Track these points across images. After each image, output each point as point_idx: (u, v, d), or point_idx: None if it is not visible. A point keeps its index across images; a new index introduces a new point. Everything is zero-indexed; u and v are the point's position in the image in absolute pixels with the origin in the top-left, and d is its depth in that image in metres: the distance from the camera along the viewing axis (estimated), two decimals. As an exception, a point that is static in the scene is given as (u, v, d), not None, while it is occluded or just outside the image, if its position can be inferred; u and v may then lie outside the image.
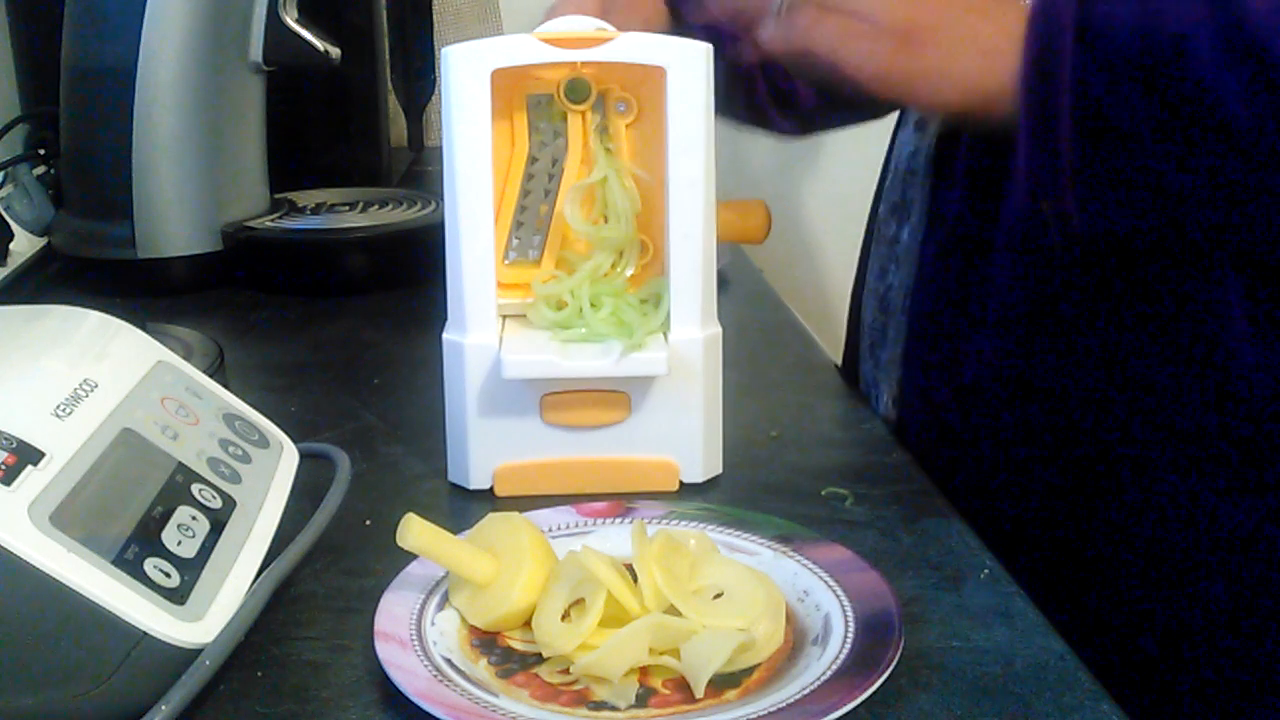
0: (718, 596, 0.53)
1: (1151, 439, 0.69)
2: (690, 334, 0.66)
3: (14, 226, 1.14)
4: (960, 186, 0.76)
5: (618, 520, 0.61)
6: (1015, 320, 0.72)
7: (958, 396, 0.76)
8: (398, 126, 1.54)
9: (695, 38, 0.64)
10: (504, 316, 0.68)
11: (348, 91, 1.34)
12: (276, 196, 1.15)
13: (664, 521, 0.61)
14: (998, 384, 0.74)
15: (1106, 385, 0.70)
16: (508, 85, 0.66)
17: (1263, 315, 0.66)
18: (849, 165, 1.64)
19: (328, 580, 0.58)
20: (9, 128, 1.20)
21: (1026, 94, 0.61)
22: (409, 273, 1.06)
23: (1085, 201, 0.62)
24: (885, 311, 0.82)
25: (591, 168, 0.68)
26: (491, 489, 0.67)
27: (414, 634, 0.52)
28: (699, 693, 0.49)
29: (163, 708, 0.45)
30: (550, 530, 0.59)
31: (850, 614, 0.52)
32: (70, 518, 0.46)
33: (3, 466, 0.46)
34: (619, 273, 0.68)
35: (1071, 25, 0.60)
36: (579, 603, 0.53)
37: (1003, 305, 0.73)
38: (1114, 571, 0.72)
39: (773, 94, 0.96)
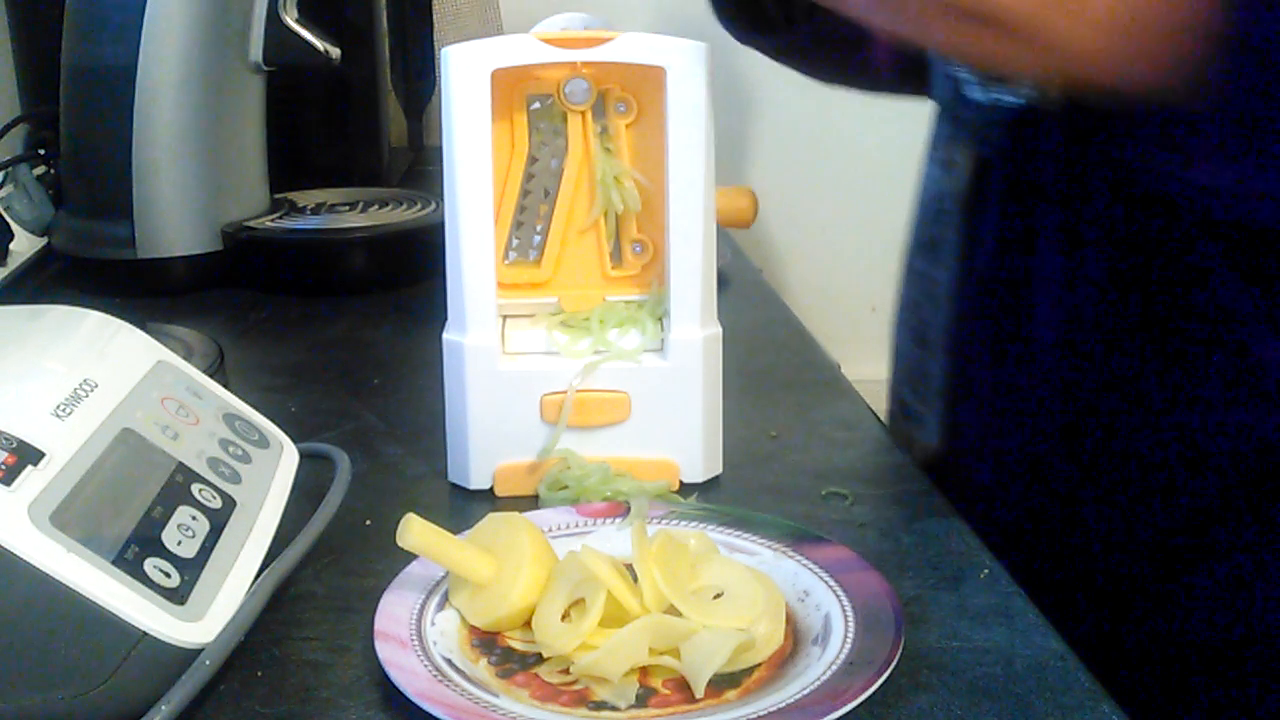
0: (718, 596, 0.53)
1: (1188, 458, 0.68)
2: (690, 334, 0.66)
3: (14, 226, 1.14)
4: (995, 224, 0.75)
5: (618, 520, 0.61)
6: (1057, 352, 0.71)
7: (1003, 429, 0.75)
8: (398, 126, 1.54)
9: None
10: (504, 316, 0.68)
11: (348, 91, 1.34)
12: (276, 196, 1.15)
13: (664, 521, 0.61)
14: (1042, 415, 0.73)
15: (1147, 408, 0.69)
16: (508, 85, 0.66)
17: None
18: (847, 162, 1.64)
19: (328, 580, 0.58)
20: (9, 128, 1.20)
21: (1226, 63, 0.56)
22: (409, 273, 1.06)
23: (1230, 164, 0.59)
24: (923, 346, 0.81)
25: (592, 168, 0.68)
26: (491, 489, 0.67)
27: (414, 634, 0.52)
28: (699, 693, 0.49)
29: (163, 708, 0.45)
30: (550, 530, 0.59)
31: (850, 614, 0.52)
32: (70, 518, 0.46)
33: (3, 466, 0.46)
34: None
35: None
36: (579, 603, 0.53)
37: (1044, 339, 0.72)
38: (1116, 572, 0.72)
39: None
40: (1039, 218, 0.71)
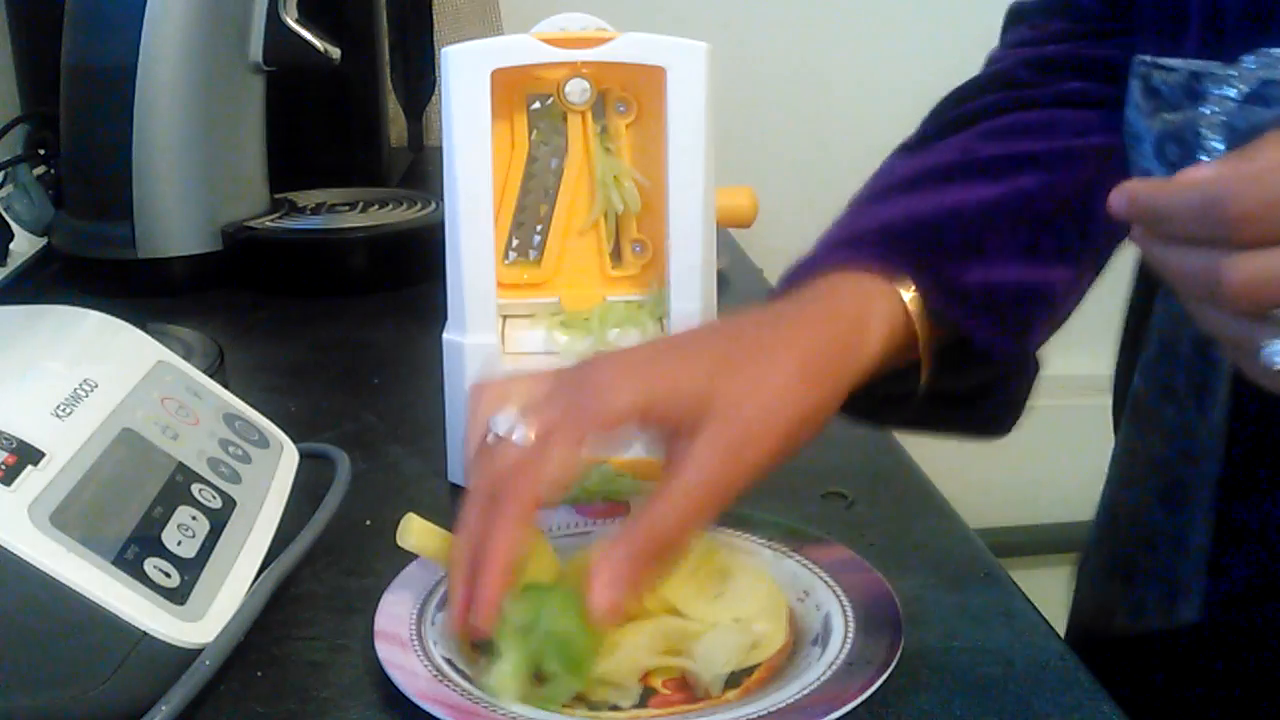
0: (718, 596, 0.53)
1: None
2: (690, 334, 0.66)
3: (14, 226, 1.14)
4: None
5: (618, 520, 0.61)
6: None
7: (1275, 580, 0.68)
8: (398, 126, 1.54)
9: None
10: (504, 316, 0.68)
11: (348, 91, 1.34)
12: (276, 196, 1.15)
13: (664, 521, 0.61)
14: None
15: None
16: (508, 85, 0.66)
17: None
18: (847, 162, 1.64)
19: (328, 580, 0.58)
20: (9, 128, 1.20)
21: None
22: (409, 273, 1.06)
23: None
24: (1179, 511, 0.70)
25: (592, 168, 0.68)
26: (491, 489, 0.67)
27: (414, 634, 0.52)
28: (715, 693, 0.49)
29: (163, 708, 0.45)
30: (550, 530, 0.59)
31: (850, 614, 0.52)
32: (70, 518, 0.46)
33: (3, 466, 0.46)
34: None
35: None
36: None
37: None
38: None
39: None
40: None
